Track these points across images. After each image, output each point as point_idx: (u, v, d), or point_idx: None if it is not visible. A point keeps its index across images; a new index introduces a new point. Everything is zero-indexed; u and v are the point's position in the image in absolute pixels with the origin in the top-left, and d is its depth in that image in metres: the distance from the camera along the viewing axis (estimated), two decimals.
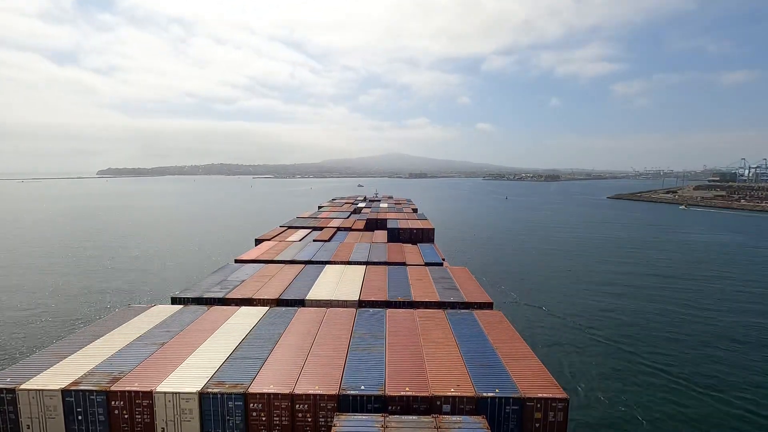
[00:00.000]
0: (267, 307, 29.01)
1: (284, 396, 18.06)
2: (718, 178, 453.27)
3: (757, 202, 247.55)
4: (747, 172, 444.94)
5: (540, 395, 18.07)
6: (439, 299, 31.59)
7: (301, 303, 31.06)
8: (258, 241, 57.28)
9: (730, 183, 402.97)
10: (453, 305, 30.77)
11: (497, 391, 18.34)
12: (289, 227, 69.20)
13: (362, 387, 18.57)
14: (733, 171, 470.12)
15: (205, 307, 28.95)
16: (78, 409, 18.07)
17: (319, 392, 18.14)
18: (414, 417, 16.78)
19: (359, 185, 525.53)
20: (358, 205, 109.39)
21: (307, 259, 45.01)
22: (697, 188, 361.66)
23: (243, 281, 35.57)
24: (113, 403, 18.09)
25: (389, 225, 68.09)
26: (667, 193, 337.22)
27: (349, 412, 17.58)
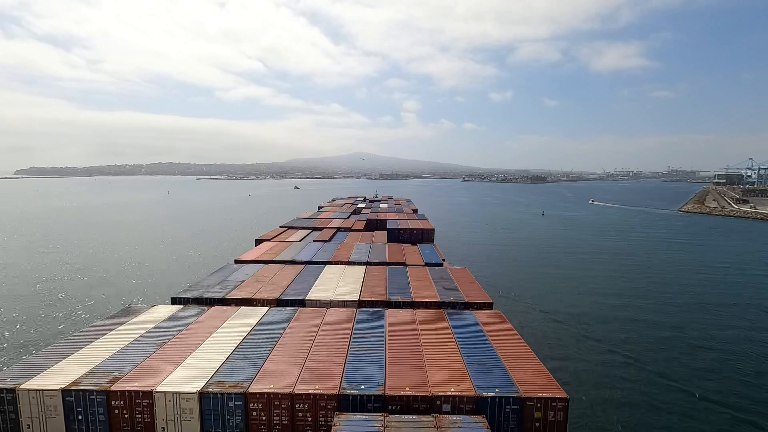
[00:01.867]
0: (267, 308, 29.01)
1: (284, 396, 18.06)
2: (724, 180, 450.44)
3: None
4: (753, 173, 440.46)
5: (540, 395, 18.07)
6: (439, 299, 31.58)
7: (301, 303, 31.07)
8: (258, 242, 57.31)
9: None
10: (453, 305, 30.77)
11: (497, 390, 18.34)
12: (289, 227, 69.21)
13: (362, 387, 18.57)
14: (739, 172, 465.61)
15: (205, 308, 28.96)
16: (78, 409, 18.07)
17: (319, 392, 18.14)
18: (414, 417, 16.79)
19: (295, 187, 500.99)
20: (358, 206, 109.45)
21: (307, 259, 45.02)
22: None
23: (243, 281, 35.58)
24: (113, 402, 18.10)
25: (389, 225, 68.11)
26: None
27: (349, 411, 17.58)
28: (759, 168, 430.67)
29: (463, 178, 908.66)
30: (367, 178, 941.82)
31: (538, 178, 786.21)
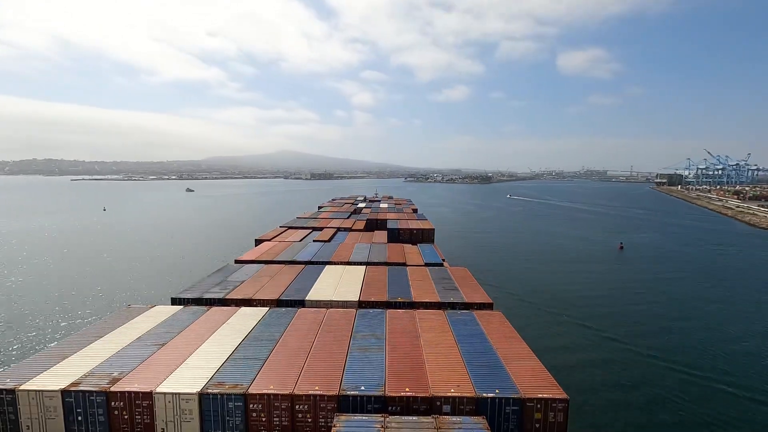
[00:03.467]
0: (267, 308, 28.99)
1: (284, 396, 18.05)
2: (665, 180, 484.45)
3: None
4: (690, 172, 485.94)
5: (540, 395, 18.06)
6: (439, 299, 31.56)
7: (301, 303, 31.05)
8: (258, 242, 57.28)
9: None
10: (453, 305, 30.75)
11: (497, 391, 18.33)
12: (289, 227, 69.18)
13: (362, 387, 18.56)
14: (678, 172, 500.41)
15: (205, 308, 28.94)
16: (78, 410, 18.06)
17: (319, 393, 18.13)
18: (414, 417, 16.77)
19: (188, 189, 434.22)
20: (358, 206, 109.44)
21: (307, 259, 45.00)
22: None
23: (243, 282, 35.55)
24: (113, 403, 18.09)
25: (389, 225, 68.08)
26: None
27: (349, 412, 17.57)
28: (697, 168, 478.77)
29: (405, 178, 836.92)
30: (297, 178, 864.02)
31: (485, 178, 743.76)
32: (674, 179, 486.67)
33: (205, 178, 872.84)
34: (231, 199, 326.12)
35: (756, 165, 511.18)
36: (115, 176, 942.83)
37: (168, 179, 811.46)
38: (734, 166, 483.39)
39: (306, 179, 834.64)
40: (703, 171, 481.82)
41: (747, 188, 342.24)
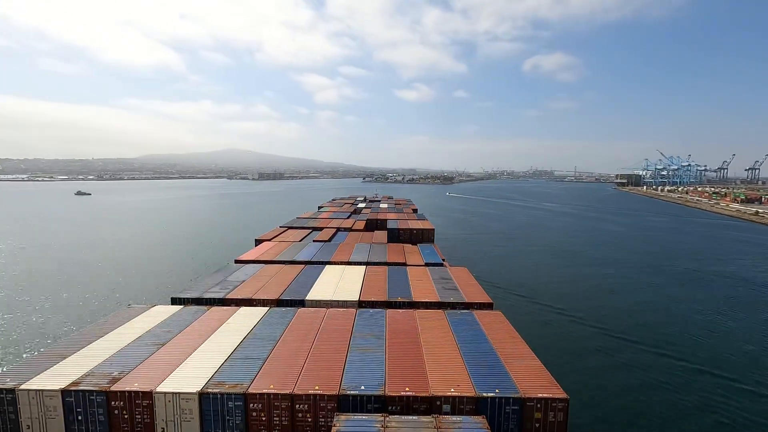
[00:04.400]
0: (267, 308, 29.00)
1: (284, 396, 18.06)
2: (625, 180, 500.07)
3: None
4: (648, 173, 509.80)
5: (540, 395, 18.06)
6: (439, 299, 31.57)
7: (301, 303, 31.05)
8: (258, 242, 57.29)
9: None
10: (453, 305, 30.76)
11: (497, 391, 18.33)
12: (289, 227, 69.19)
13: (362, 387, 18.57)
14: (637, 172, 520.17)
15: (205, 308, 28.94)
16: (78, 410, 18.07)
17: (319, 392, 18.13)
18: (414, 417, 16.77)
19: (79, 192, 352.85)
20: (358, 206, 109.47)
21: (307, 259, 45.01)
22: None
23: (243, 281, 35.56)
24: (113, 403, 18.09)
25: (389, 225, 68.05)
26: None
27: (349, 412, 17.57)
28: (655, 168, 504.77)
29: (363, 178, 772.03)
30: (242, 178, 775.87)
31: (447, 179, 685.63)
32: (632, 179, 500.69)
33: (133, 178, 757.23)
34: (118, 210, 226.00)
35: (705, 165, 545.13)
36: (22, 176, 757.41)
37: (76, 180, 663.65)
38: (687, 167, 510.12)
39: (252, 179, 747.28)
40: (659, 171, 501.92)
41: (725, 189, 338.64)
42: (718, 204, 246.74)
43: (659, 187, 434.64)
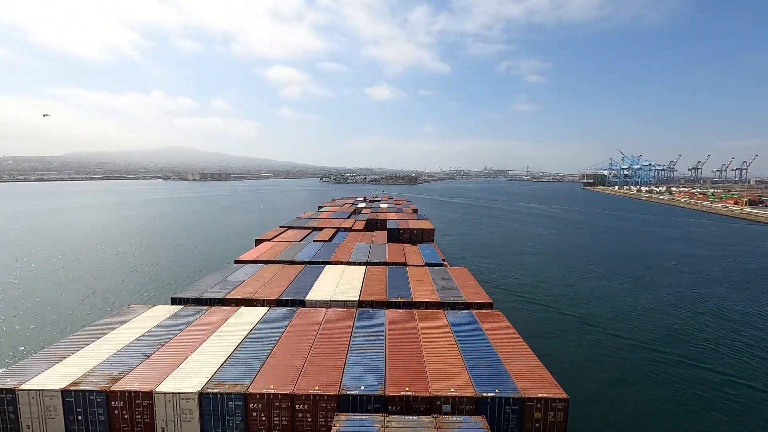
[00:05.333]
0: (267, 308, 29.01)
1: (284, 396, 18.06)
2: (592, 180, 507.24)
3: None
4: (610, 172, 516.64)
5: (540, 395, 18.07)
6: (439, 299, 31.58)
7: (301, 303, 31.06)
8: (258, 242, 57.31)
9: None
10: (453, 305, 30.76)
11: (497, 391, 18.34)
12: (290, 227, 69.21)
13: (362, 387, 18.57)
14: (600, 172, 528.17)
15: (204, 308, 28.95)
16: (78, 409, 18.07)
17: (319, 392, 18.14)
18: (414, 417, 16.78)
19: None
20: (359, 206, 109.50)
21: (307, 259, 45.01)
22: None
23: (243, 281, 35.56)
24: (113, 403, 18.10)
25: (389, 225, 68.15)
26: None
27: (349, 412, 17.58)
28: (620, 167, 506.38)
29: (321, 179, 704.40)
30: (182, 179, 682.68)
31: (412, 179, 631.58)
32: (598, 179, 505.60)
33: (42, 179, 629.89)
34: None
35: (662, 165, 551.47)
36: None
37: None
38: (647, 166, 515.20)
39: (193, 180, 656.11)
40: (624, 171, 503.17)
41: (712, 190, 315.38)
42: (727, 207, 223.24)
43: (633, 187, 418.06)
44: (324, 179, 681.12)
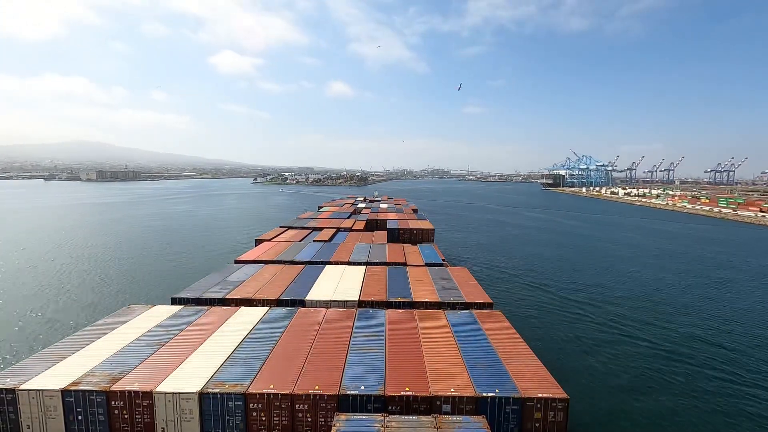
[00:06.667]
0: (267, 308, 29.03)
1: (284, 396, 18.07)
2: (551, 181, 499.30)
3: None
4: (567, 172, 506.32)
5: (540, 395, 18.08)
6: (439, 299, 31.59)
7: (301, 303, 31.07)
8: (258, 242, 57.32)
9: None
10: (453, 305, 30.78)
11: (497, 391, 18.35)
12: (290, 227, 69.22)
13: (362, 387, 18.58)
14: (557, 172, 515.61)
15: (204, 308, 28.96)
16: (78, 409, 18.08)
17: (319, 392, 18.15)
18: (414, 417, 16.78)
19: None
20: (358, 206, 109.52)
21: (307, 259, 45.01)
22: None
23: (243, 281, 35.57)
24: (113, 403, 18.11)
25: (389, 225, 68.14)
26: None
27: (349, 412, 17.59)
28: (577, 168, 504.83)
29: (255, 179, 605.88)
30: (71, 179, 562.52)
31: (362, 179, 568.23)
32: (557, 179, 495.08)
33: None
34: None
35: (615, 166, 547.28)
36: None
37: None
38: (601, 166, 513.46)
39: (87, 180, 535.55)
40: (582, 171, 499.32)
41: (702, 191, 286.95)
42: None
43: (602, 189, 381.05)
44: (258, 179, 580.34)
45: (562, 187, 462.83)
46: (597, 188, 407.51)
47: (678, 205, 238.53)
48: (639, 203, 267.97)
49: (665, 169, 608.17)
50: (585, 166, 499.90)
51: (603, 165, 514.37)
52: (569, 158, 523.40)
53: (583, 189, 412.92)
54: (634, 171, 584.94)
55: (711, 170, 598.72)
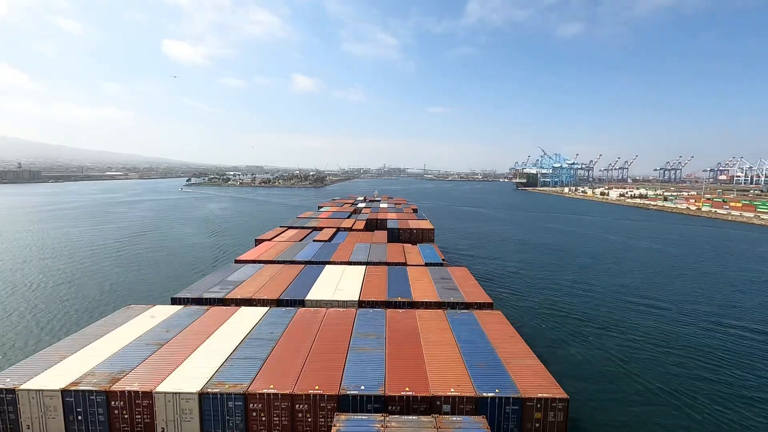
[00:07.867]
0: (267, 308, 29.02)
1: (284, 396, 18.06)
2: (524, 180, 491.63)
3: None
4: (539, 171, 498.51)
5: (540, 395, 18.07)
6: (439, 299, 31.59)
7: (301, 303, 31.07)
8: (258, 242, 57.30)
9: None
10: (453, 305, 30.77)
11: (497, 391, 18.34)
12: (290, 227, 69.20)
13: (362, 387, 18.57)
14: (529, 171, 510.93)
15: (204, 308, 28.95)
16: (78, 409, 18.07)
17: (319, 392, 18.14)
18: (414, 417, 16.77)
19: None
20: (358, 206, 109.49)
21: (307, 259, 45.00)
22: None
23: (243, 281, 35.56)
24: (113, 403, 18.10)
25: (389, 225, 68.19)
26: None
27: (349, 412, 17.58)
28: (551, 166, 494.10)
29: (188, 179, 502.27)
30: None
31: (318, 179, 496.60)
32: (531, 178, 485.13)
33: None
34: None
35: (584, 164, 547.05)
36: None
37: None
38: (573, 164, 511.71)
39: None
40: (555, 170, 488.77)
41: (711, 193, 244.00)
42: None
43: (588, 189, 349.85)
44: (193, 180, 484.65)
45: (538, 186, 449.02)
46: (582, 189, 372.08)
47: (703, 209, 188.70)
48: (641, 206, 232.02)
49: (620, 168, 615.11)
50: (558, 165, 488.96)
51: (575, 163, 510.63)
52: (541, 156, 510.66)
53: (566, 189, 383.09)
54: (591, 170, 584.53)
55: (660, 168, 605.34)
